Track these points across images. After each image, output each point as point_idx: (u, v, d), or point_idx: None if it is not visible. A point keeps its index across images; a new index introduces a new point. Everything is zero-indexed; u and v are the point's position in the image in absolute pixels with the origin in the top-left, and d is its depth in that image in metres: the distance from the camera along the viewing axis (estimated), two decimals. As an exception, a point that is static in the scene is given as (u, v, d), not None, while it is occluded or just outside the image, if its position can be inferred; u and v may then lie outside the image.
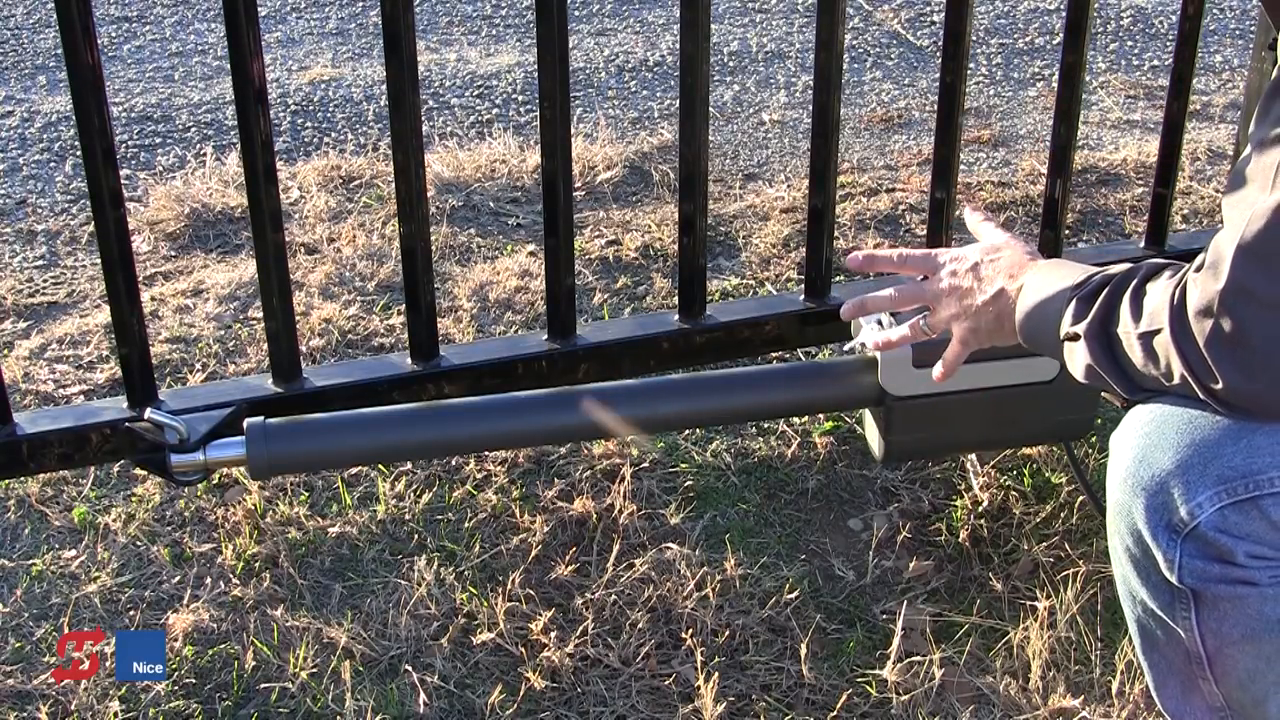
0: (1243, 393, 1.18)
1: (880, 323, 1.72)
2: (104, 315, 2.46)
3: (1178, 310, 1.20)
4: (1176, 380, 1.22)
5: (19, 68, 3.80)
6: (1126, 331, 1.25)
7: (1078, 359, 1.32)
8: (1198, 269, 1.20)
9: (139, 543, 1.94)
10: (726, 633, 1.78)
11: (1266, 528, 1.23)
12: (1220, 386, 1.18)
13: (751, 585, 1.86)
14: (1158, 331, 1.22)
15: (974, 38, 3.10)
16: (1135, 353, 1.25)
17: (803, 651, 1.74)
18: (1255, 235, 1.14)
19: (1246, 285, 1.15)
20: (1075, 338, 1.31)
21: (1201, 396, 1.21)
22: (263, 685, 1.72)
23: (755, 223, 2.85)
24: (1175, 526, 1.25)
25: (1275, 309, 1.14)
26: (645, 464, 2.08)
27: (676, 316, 2.02)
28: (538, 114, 1.97)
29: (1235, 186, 1.22)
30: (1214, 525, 1.23)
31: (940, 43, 2.06)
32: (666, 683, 1.71)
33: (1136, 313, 1.24)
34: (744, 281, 2.62)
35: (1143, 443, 1.27)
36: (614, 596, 1.83)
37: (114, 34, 4.05)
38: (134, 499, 2.03)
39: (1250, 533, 1.23)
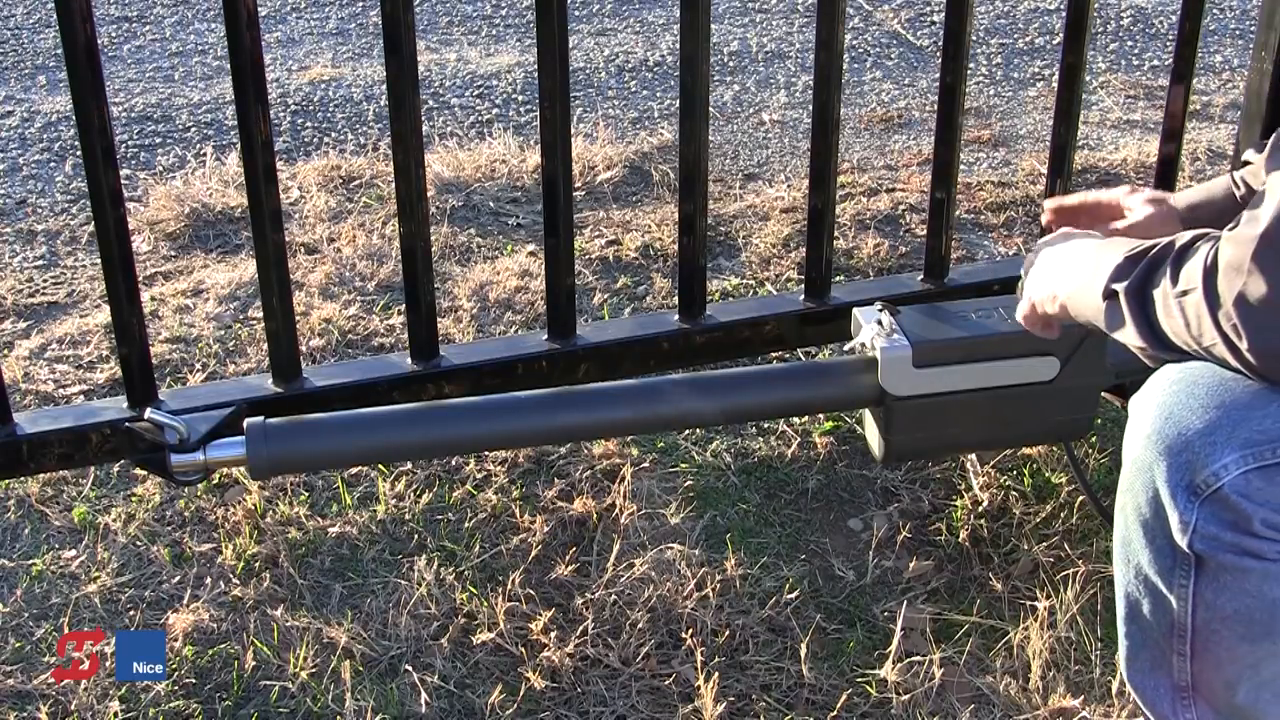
0: (1268, 355, 1.17)
1: (880, 322, 1.72)
2: (104, 315, 2.46)
3: (1210, 270, 1.19)
4: (1207, 342, 1.21)
5: (19, 68, 3.80)
6: (1164, 294, 1.25)
7: (1115, 320, 1.31)
8: (1233, 229, 1.19)
9: (139, 543, 1.94)
10: (726, 633, 1.78)
11: None
12: (1246, 345, 1.17)
13: (751, 585, 1.86)
14: (1191, 291, 1.21)
15: (974, 38, 3.10)
16: (1172, 315, 1.24)
17: (803, 651, 1.74)
18: None
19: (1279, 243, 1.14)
20: (1114, 295, 1.30)
21: (1231, 359, 1.20)
22: (263, 685, 1.72)
23: (755, 223, 2.85)
24: (1196, 488, 1.24)
25: None
26: (645, 464, 2.08)
27: (676, 316, 2.02)
28: (538, 114, 1.97)
29: (1278, 150, 1.22)
30: (1237, 489, 1.22)
31: (940, 43, 2.06)
32: (666, 683, 1.71)
33: (1175, 275, 1.24)
34: (744, 281, 2.62)
35: (1170, 402, 1.27)
36: (614, 596, 1.83)
37: (114, 34, 4.05)
38: (134, 499, 2.03)
39: (1271, 499, 1.23)
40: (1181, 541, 1.27)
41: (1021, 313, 1.52)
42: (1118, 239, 1.41)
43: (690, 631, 1.78)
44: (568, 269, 1.92)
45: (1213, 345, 1.21)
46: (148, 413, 1.69)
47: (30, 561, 1.91)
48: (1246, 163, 1.69)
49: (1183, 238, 1.27)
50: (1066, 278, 1.42)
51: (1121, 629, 1.40)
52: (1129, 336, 1.30)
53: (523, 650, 1.75)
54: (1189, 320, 1.22)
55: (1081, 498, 1.97)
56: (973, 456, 2.06)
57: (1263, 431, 1.22)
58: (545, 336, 1.96)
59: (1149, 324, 1.27)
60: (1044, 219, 1.78)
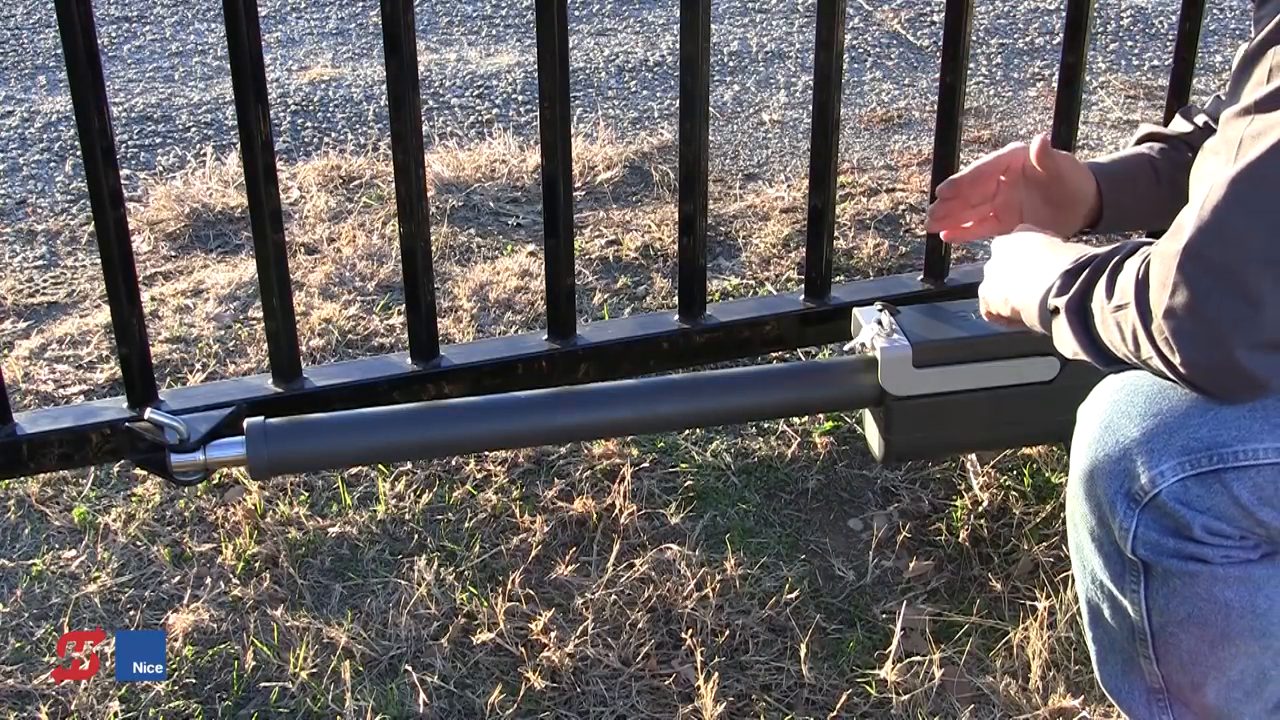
0: (1200, 367, 1.17)
1: (880, 322, 1.72)
2: (104, 315, 2.46)
3: (1141, 284, 1.19)
4: (1144, 355, 1.21)
5: (19, 68, 3.80)
6: (1101, 308, 1.25)
7: (1060, 335, 1.32)
8: (1160, 242, 1.20)
9: (139, 543, 1.94)
10: (726, 633, 1.78)
11: (1227, 502, 1.22)
12: (1179, 359, 1.17)
13: (751, 585, 1.86)
14: (1125, 306, 1.21)
15: (974, 38, 3.10)
16: (1110, 329, 1.24)
17: (803, 651, 1.74)
18: (1214, 207, 1.14)
19: (1204, 255, 1.14)
20: (1057, 312, 1.31)
21: (1166, 372, 1.20)
22: (263, 685, 1.72)
23: (755, 223, 2.85)
24: (1135, 495, 1.25)
25: (1230, 281, 1.13)
26: (645, 464, 2.08)
27: (676, 316, 2.02)
28: (538, 114, 1.97)
29: (1203, 160, 1.22)
30: (1174, 496, 1.23)
31: (940, 43, 2.06)
32: (666, 683, 1.71)
33: (1110, 289, 1.24)
34: (744, 281, 2.62)
35: (1110, 410, 1.28)
36: (614, 596, 1.83)
37: (114, 34, 4.05)
38: (134, 499, 2.03)
39: (1210, 507, 1.23)
40: (1125, 549, 1.28)
41: (983, 311, 1.53)
42: (1065, 243, 1.41)
43: (690, 631, 1.78)
44: (568, 269, 1.92)
45: (1149, 358, 1.21)
46: (148, 413, 1.69)
47: (30, 561, 1.91)
48: (1157, 135, 1.70)
49: (1122, 249, 1.27)
50: (1015, 285, 1.42)
51: (1088, 634, 1.41)
52: (1074, 351, 1.31)
53: (523, 650, 1.75)
54: (1125, 334, 1.22)
55: (1081, 498, 1.97)
56: (973, 456, 2.06)
57: (1199, 439, 1.22)
58: (545, 336, 1.96)
59: (1090, 338, 1.28)
60: (930, 221, 1.77)
